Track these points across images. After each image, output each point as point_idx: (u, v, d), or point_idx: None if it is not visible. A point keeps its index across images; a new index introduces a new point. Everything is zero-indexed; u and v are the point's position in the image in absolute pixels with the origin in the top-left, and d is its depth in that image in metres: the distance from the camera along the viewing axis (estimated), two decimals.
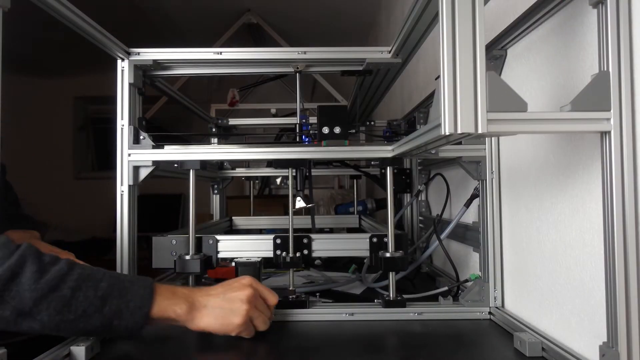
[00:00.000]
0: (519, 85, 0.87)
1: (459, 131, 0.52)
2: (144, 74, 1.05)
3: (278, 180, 3.59)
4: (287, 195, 1.04)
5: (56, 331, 0.68)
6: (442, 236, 1.11)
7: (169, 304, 0.75)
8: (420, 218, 1.58)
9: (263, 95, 3.68)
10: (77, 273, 0.69)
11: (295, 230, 1.00)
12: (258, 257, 1.00)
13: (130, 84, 0.98)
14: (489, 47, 0.91)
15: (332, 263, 1.53)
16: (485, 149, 0.95)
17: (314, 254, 1.00)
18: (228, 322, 0.78)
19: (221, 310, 0.78)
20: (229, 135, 1.78)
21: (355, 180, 1.97)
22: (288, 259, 0.98)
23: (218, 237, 1.00)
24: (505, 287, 0.95)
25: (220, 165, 1.73)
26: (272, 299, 0.84)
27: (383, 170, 0.97)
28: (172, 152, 0.98)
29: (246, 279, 0.82)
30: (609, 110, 0.58)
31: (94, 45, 0.90)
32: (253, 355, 0.79)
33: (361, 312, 0.94)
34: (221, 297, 0.79)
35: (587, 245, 0.68)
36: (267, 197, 3.51)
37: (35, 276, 0.65)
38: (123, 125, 0.98)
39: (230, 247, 1.00)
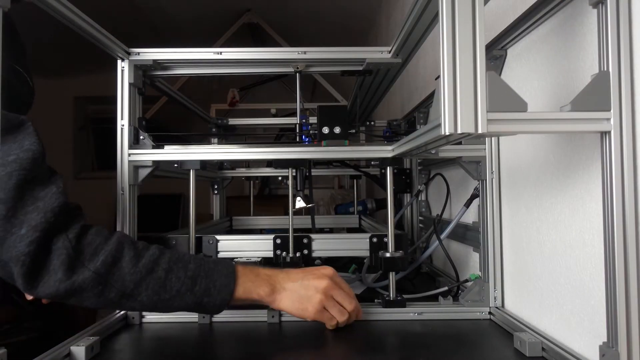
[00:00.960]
0: (519, 85, 0.87)
1: (459, 131, 0.52)
2: (144, 74, 1.05)
3: (279, 179, 3.59)
4: (287, 195, 1.04)
5: (154, 309, 0.75)
6: (442, 236, 1.11)
7: (252, 286, 0.79)
8: (420, 218, 1.58)
9: (263, 95, 3.68)
10: (168, 256, 0.75)
11: (295, 230, 1.00)
12: (258, 257, 1.00)
13: (130, 84, 0.98)
14: (489, 47, 0.91)
15: (332, 263, 1.53)
16: (485, 149, 0.95)
17: (314, 254, 1.00)
18: (303, 308, 0.81)
19: (297, 294, 0.81)
20: (229, 135, 1.78)
21: (355, 180, 1.97)
22: (288, 259, 0.98)
23: (218, 237, 1.00)
24: (505, 287, 0.95)
25: (220, 165, 1.73)
26: (350, 291, 0.86)
27: (383, 170, 0.97)
28: (172, 152, 0.98)
29: (327, 270, 0.84)
30: (609, 110, 0.58)
31: (94, 45, 0.90)
32: (253, 355, 0.79)
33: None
34: (299, 282, 0.82)
35: (587, 245, 0.68)
36: (267, 197, 3.51)
37: (134, 261, 0.71)
38: (123, 125, 0.97)
39: (230, 247, 1.00)
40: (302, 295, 0.81)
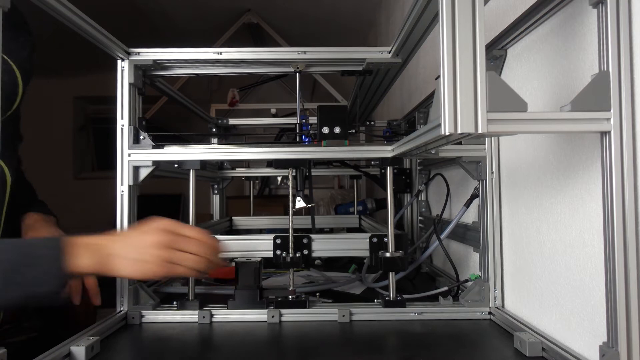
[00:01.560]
0: (519, 85, 0.87)
1: (459, 131, 0.52)
2: (144, 74, 1.05)
3: (279, 179, 3.59)
4: (287, 195, 1.04)
5: None
6: (442, 236, 1.11)
7: (83, 262, 0.69)
8: (420, 218, 1.58)
9: (263, 95, 3.68)
10: None
11: (295, 230, 1.00)
12: (258, 257, 1.00)
13: (130, 84, 0.98)
14: (489, 47, 0.91)
15: (332, 263, 1.53)
16: (485, 149, 0.95)
17: (314, 254, 1.00)
18: (145, 269, 0.72)
19: (131, 258, 0.72)
20: (229, 135, 1.78)
21: (355, 180, 1.97)
22: (288, 259, 0.98)
23: (218, 237, 0.99)
24: (505, 287, 0.95)
25: (220, 165, 1.74)
26: (192, 232, 0.76)
27: (383, 170, 0.97)
28: (172, 152, 0.98)
29: (158, 223, 0.75)
30: (609, 110, 0.58)
31: (94, 45, 0.90)
32: (253, 354, 0.79)
33: (361, 312, 0.94)
34: (129, 243, 0.73)
35: (587, 246, 0.68)
36: (267, 197, 3.51)
37: None
38: (123, 125, 0.98)
39: (230, 247, 0.99)
40: (135, 257, 0.71)
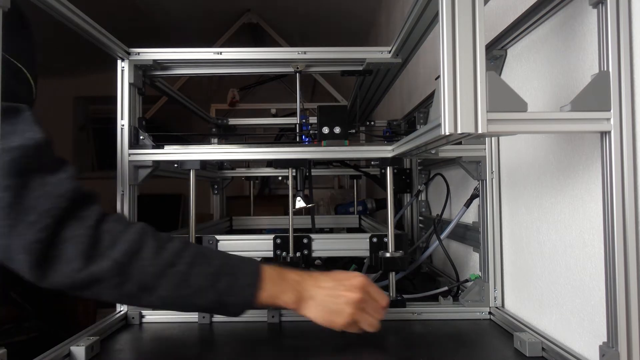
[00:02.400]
0: (519, 85, 0.87)
1: (459, 131, 0.52)
2: (144, 74, 1.05)
3: (279, 178, 3.59)
4: (287, 195, 1.04)
5: (172, 306, 0.70)
6: (442, 236, 1.11)
7: (278, 290, 0.73)
8: (420, 218, 1.58)
9: (263, 95, 3.68)
10: (192, 250, 0.70)
11: (295, 230, 1.00)
12: (258, 257, 1.00)
13: (130, 84, 0.98)
14: (489, 47, 0.91)
15: (332, 263, 1.53)
16: (485, 149, 0.95)
17: (314, 254, 1.00)
18: (332, 320, 0.75)
19: (326, 307, 0.75)
20: (229, 135, 1.78)
21: (355, 180, 1.97)
22: (288, 259, 0.98)
23: (218, 237, 1.00)
24: (505, 287, 0.95)
25: (220, 165, 1.74)
26: (382, 301, 0.79)
27: (383, 170, 0.97)
28: (172, 152, 0.98)
29: (358, 280, 0.77)
30: (609, 110, 0.58)
31: (94, 46, 0.90)
32: (254, 354, 0.79)
33: None
34: (329, 292, 0.76)
35: (587, 246, 0.68)
36: (267, 197, 3.51)
37: (155, 252, 0.66)
38: (123, 125, 0.98)
39: (230, 247, 0.99)
40: (331, 308, 0.75)
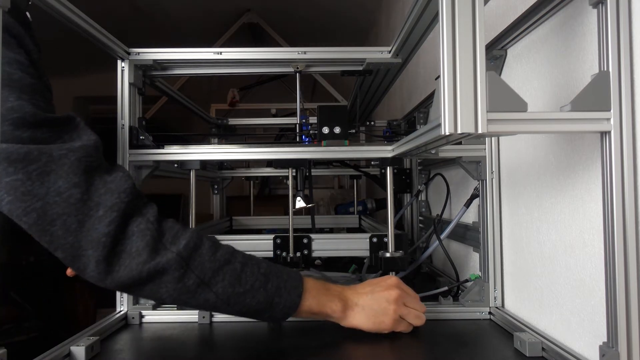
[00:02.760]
0: (519, 85, 0.87)
1: (459, 131, 0.52)
2: (144, 74, 1.05)
3: (280, 177, 3.59)
4: (287, 195, 1.04)
5: (226, 305, 0.71)
6: (442, 236, 1.11)
7: (325, 299, 0.77)
8: (420, 218, 1.58)
9: (263, 95, 3.68)
10: (241, 252, 0.74)
11: (295, 230, 1.00)
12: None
13: (130, 84, 0.98)
14: (489, 47, 0.91)
15: (332, 263, 1.53)
16: (485, 149, 0.95)
17: (314, 254, 1.00)
18: (379, 321, 0.80)
19: (371, 309, 0.79)
20: (229, 135, 1.78)
21: (355, 180, 1.97)
22: (288, 259, 0.98)
23: (218, 237, 0.99)
24: (505, 287, 0.95)
25: (220, 165, 1.74)
26: (411, 291, 0.86)
27: (383, 170, 0.97)
28: (172, 152, 0.98)
29: (392, 279, 0.84)
30: (609, 110, 0.58)
31: (94, 45, 0.90)
32: (254, 354, 0.79)
33: None
34: (370, 296, 0.80)
35: (587, 246, 0.68)
36: (267, 197, 3.51)
37: (213, 249, 0.70)
38: (123, 125, 0.98)
39: None
40: (376, 309, 0.79)
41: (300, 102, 1.14)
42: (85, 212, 0.63)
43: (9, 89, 0.63)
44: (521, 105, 0.55)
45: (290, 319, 0.93)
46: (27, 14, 0.78)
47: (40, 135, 0.63)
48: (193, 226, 0.97)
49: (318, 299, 0.77)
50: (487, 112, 0.53)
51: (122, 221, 0.65)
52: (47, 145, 0.63)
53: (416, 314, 0.82)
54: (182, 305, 0.72)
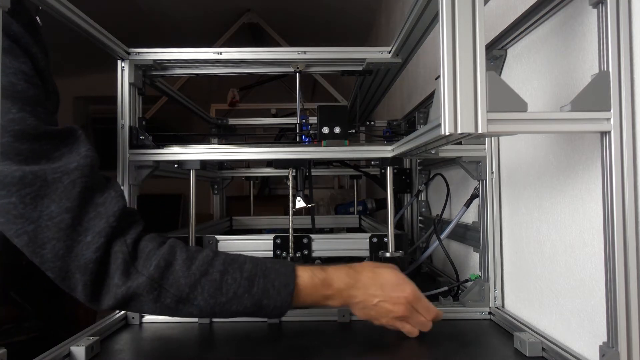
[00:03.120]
0: (519, 85, 0.87)
1: (459, 131, 0.52)
2: (144, 74, 1.05)
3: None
4: (287, 195, 1.04)
5: (212, 315, 0.70)
6: (442, 236, 1.11)
7: (323, 298, 0.75)
8: (420, 218, 1.58)
9: (263, 95, 3.68)
10: (222, 257, 0.71)
11: (295, 230, 1.00)
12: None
13: (130, 84, 0.98)
14: (489, 47, 0.91)
15: (332, 263, 1.53)
16: (485, 149, 0.95)
17: (314, 254, 1.00)
18: (374, 319, 0.79)
19: (369, 314, 0.78)
20: (229, 135, 1.78)
21: (355, 180, 1.97)
22: (288, 259, 0.98)
23: (218, 237, 1.00)
24: (505, 287, 0.95)
25: (220, 165, 1.73)
26: (429, 315, 0.80)
27: (383, 170, 0.97)
28: (172, 152, 0.98)
29: (407, 294, 0.77)
30: (609, 110, 0.58)
31: (94, 45, 0.90)
32: (254, 354, 0.79)
33: None
34: (376, 302, 0.77)
35: (587, 246, 0.68)
36: (267, 197, 3.51)
37: (187, 263, 0.68)
38: (123, 125, 0.97)
39: (230, 247, 0.99)
40: (374, 316, 0.78)
41: (300, 102, 1.13)
42: (74, 237, 0.63)
43: (12, 100, 0.63)
44: (521, 105, 0.55)
45: (290, 318, 0.93)
46: (37, 18, 0.79)
47: (39, 148, 0.64)
48: (193, 226, 0.97)
49: (313, 297, 0.74)
50: (487, 112, 0.53)
51: (106, 246, 0.65)
52: (42, 167, 0.63)
53: (424, 321, 0.79)
54: (170, 317, 0.71)
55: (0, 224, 0.62)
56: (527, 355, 0.72)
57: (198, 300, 0.68)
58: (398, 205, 1.63)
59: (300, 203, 1.10)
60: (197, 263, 0.69)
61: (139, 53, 0.99)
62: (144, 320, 0.95)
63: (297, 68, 1.07)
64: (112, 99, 0.97)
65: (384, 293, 0.77)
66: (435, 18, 0.77)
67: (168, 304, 0.67)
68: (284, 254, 0.98)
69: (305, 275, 0.74)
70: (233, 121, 1.80)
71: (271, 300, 0.71)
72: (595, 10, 0.61)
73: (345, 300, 0.76)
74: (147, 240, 0.69)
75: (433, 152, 0.92)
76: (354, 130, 1.44)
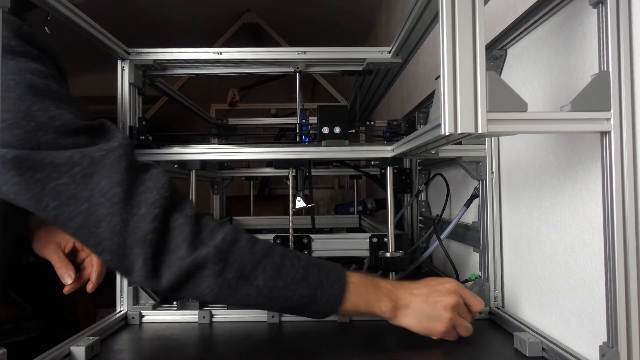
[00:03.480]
0: (519, 85, 0.87)
1: (459, 131, 0.52)
2: (144, 74, 1.05)
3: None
4: (287, 195, 1.04)
5: (268, 299, 0.69)
6: (442, 236, 1.11)
7: (373, 299, 0.74)
8: (420, 218, 1.58)
9: (263, 95, 3.68)
10: (280, 246, 0.73)
11: (295, 230, 1.00)
12: None
13: (130, 84, 0.98)
14: (489, 47, 0.91)
15: None
16: (485, 149, 0.95)
17: (314, 254, 1.00)
18: (430, 327, 0.76)
19: (424, 314, 0.75)
20: (229, 135, 1.78)
21: (355, 180, 1.97)
22: None
23: None
24: (505, 287, 0.95)
25: (220, 165, 1.74)
26: (478, 305, 0.79)
27: (383, 170, 0.97)
28: (172, 152, 0.98)
29: (451, 284, 0.78)
30: (609, 110, 0.58)
31: (94, 45, 0.90)
32: (254, 355, 0.79)
33: None
34: (425, 299, 0.76)
35: (587, 246, 0.68)
36: (267, 197, 3.51)
37: (250, 243, 0.70)
38: (123, 125, 0.97)
39: None
40: (429, 314, 0.75)
41: (300, 102, 1.13)
42: (128, 210, 0.64)
43: (49, 99, 0.66)
44: (521, 105, 0.55)
45: (290, 318, 0.93)
46: (46, 28, 0.81)
47: (80, 142, 0.66)
48: None
49: (365, 297, 0.74)
50: (487, 112, 0.53)
51: (163, 217, 0.65)
52: (87, 147, 0.65)
53: (467, 326, 0.78)
54: (225, 302, 0.70)
55: (53, 209, 0.63)
56: (527, 355, 0.72)
57: (258, 281, 0.68)
58: (398, 205, 1.63)
59: (300, 203, 1.10)
60: (260, 245, 0.70)
61: (139, 53, 0.99)
62: (144, 320, 0.95)
63: (297, 68, 1.07)
64: (112, 99, 0.97)
65: (429, 289, 0.77)
66: (435, 18, 0.77)
67: (229, 280, 0.66)
68: None
69: (354, 275, 0.75)
70: (233, 121, 1.80)
71: (325, 292, 0.71)
72: (595, 10, 0.61)
73: (395, 303, 0.75)
74: (207, 218, 0.70)
75: (433, 152, 0.92)
76: (354, 130, 1.44)
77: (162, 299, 1.01)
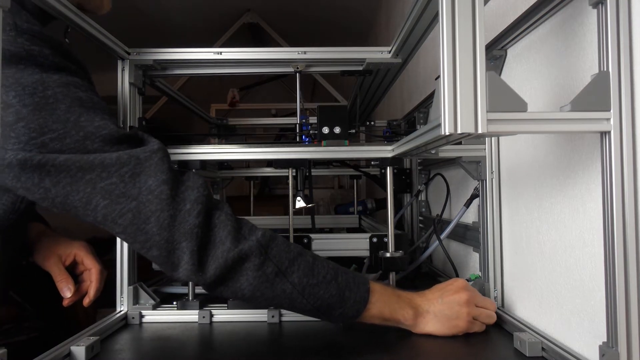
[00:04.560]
0: (519, 85, 0.87)
1: (459, 131, 0.53)
2: (144, 74, 1.05)
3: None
4: (287, 195, 1.04)
5: (301, 297, 0.73)
6: (442, 236, 1.11)
7: (397, 307, 0.79)
8: (420, 218, 1.58)
9: (263, 95, 3.68)
10: (310, 251, 0.80)
11: (295, 230, 1.00)
12: None
13: (130, 84, 0.98)
14: (489, 47, 0.91)
15: None
16: (485, 149, 0.95)
17: None
18: (453, 326, 0.80)
19: (444, 315, 0.80)
20: (229, 135, 1.78)
21: (355, 180, 1.97)
22: None
23: None
24: (505, 287, 0.95)
25: (220, 165, 1.73)
26: (489, 305, 0.85)
27: (383, 170, 0.97)
28: (172, 152, 0.98)
29: (459, 282, 0.84)
30: (609, 110, 0.58)
31: (94, 45, 0.90)
32: (254, 355, 0.79)
33: None
34: (440, 300, 0.81)
35: (587, 245, 0.68)
36: (267, 197, 3.51)
37: (286, 242, 0.76)
38: (123, 125, 0.97)
39: None
40: (448, 315, 0.80)
41: (300, 102, 1.13)
42: (175, 206, 0.68)
43: (94, 110, 0.71)
44: (521, 105, 0.55)
45: (290, 318, 0.93)
46: (66, 40, 0.83)
47: (123, 149, 0.70)
48: None
49: (389, 304, 0.78)
50: (487, 112, 0.53)
51: (206, 213, 0.70)
52: (133, 149, 0.69)
53: (487, 313, 0.83)
54: (260, 298, 0.73)
55: (103, 208, 0.66)
56: (527, 355, 0.72)
57: (293, 277, 0.72)
58: (398, 205, 1.63)
59: (300, 203, 1.10)
60: (293, 245, 0.76)
61: (139, 53, 0.99)
62: (144, 320, 0.95)
63: (297, 68, 1.07)
64: (112, 99, 0.96)
65: (440, 291, 0.82)
66: (435, 18, 0.77)
67: (268, 274, 0.71)
68: None
69: (376, 283, 0.79)
70: (233, 121, 1.80)
71: (352, 292, 0.75)
72: (595, 11, 0.61)
73: (415, 310, 0.79)
74: (243, 218, 0.77)
75: (433, 152, 0.92)
76: (354, 130, 1.44)
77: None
